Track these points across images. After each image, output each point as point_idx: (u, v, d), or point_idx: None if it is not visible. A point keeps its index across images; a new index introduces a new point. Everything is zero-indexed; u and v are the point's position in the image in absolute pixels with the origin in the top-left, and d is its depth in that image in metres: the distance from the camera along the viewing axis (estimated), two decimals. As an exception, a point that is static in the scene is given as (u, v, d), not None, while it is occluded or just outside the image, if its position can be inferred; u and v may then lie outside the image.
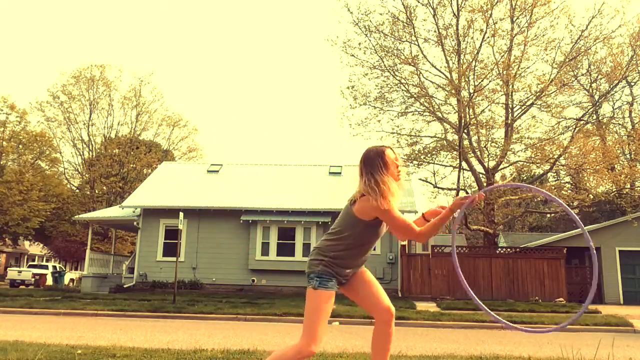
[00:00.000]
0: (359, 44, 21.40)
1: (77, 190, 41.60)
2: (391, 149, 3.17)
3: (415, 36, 21.08)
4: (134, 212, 21.27)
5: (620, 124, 28.63)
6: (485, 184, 21.49)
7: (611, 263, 20.41)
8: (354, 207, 3.07)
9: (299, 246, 19.77)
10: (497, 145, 21.93)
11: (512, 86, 20.77)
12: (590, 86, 23.98)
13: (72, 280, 31.80)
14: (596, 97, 23.78)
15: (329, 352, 5.81)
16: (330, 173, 24.00)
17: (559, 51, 21.39)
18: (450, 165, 22.32)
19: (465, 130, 20.39)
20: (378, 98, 21.63)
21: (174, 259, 17.82)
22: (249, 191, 21.75)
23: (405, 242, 24.76)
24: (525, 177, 28.86)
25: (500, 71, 20.59)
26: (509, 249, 21.10)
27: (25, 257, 54.90)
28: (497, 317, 3.27)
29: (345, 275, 3.20)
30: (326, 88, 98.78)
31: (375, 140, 21.91)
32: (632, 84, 25.49)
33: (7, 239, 39.45)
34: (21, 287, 26.94)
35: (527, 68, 21.35)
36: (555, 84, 20.71)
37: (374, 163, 3.04)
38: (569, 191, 25.82)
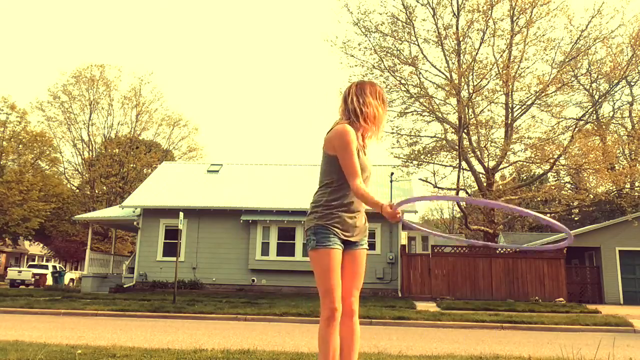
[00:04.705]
0: (359, 44, 21.39)
1: (77, 190, 41.60)
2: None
3: (415, 36, 21.07)
4: (134, 212, 21.27)
5: (620, 124, 28.63)
6: (485, 184, 21.49)
7: (611, 263, 20.39)
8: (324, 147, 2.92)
9: (299, 246, 19.77)
10: (497, 145, 21.92)
11: (512, 86, 20.76)
12: (590, 86, 23.98)
13: (72, 280, 31.83)
14: (596, 97, 23.78)
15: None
16: (330, 173, 23.97)
17: (559, 51, 21.42)
18: (450, 165, 22.31)
19: (465, 130, 20.38)
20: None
21: (174, 258, 17.82)
22: (249, 191, 21.75)
23: (406, 242, 24.76)
24: (525, 177, 28.86)
25: (500, 71, 20.58)
26: (509, 249, 21.07)
27: (25, 257, 54.90)
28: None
29: (347, 230, 2.81)
30: (326, 88, 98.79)
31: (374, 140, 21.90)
32: (632, 84, 25.48)
33: (7, 239, 39.45)
34: (21, 287, 26.94)
35: (527, 68, 21.36)
36: (555, 84, 20.70)
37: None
38: (569, 191, 25.82)
